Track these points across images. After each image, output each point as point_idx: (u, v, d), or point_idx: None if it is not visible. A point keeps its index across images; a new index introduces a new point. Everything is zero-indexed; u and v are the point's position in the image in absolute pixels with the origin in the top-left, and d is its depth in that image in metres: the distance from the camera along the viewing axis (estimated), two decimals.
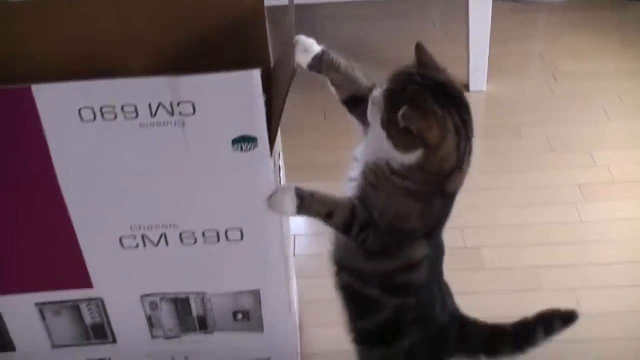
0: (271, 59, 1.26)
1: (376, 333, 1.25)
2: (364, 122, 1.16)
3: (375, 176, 1.12)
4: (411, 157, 1.07)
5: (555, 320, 1.25)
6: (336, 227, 1.16)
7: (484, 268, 1.77)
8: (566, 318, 1.25)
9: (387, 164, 1.10)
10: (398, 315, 1.22)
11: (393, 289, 1.19)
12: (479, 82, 2.41)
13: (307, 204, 1.12)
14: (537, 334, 1.24)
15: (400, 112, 1.03)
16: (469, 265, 1.77)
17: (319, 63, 1.19)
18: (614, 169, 2.05)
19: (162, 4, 1.21)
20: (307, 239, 1.91)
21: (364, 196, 1.13)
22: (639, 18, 2.86)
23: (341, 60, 1.19)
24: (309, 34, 1.21)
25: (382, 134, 1.08)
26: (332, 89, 1.21)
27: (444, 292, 1.26)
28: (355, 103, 1.18)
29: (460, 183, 1.12)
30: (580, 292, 1.67)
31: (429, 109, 1.04)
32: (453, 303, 1.28)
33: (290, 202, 1.12)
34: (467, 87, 2.41)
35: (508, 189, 2.01)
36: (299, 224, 1.95)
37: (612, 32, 2.77)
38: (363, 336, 1.29)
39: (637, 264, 1.76)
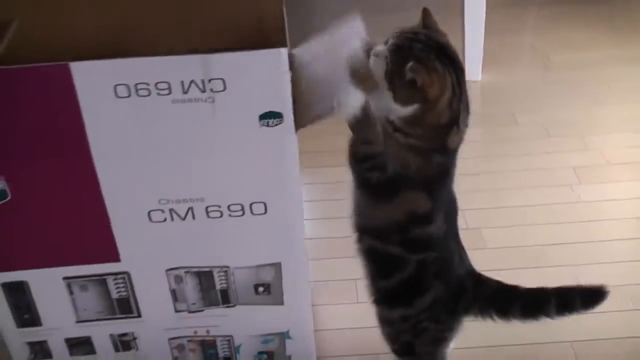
0: (288, 43, 1.31)
1: (400, 291, 1.31)
2: None
3: (383, 131, 1.19)
4: (408, 110, 1.15)
5: (574, 298, 1.26)
6: (357, 155, 1.23)
7: (486, 248, 1.84)
8: (590, 297, 1.25)
9: (387, 120, 1.19)
10: (420, 270, 1.28)
11: (413, 244, 1.26)
12: (474, 72, 2.48)
13: (367, 120, 1.19)
14: (549, 307, 1.27)
15: (409, 65, 1.12)
16: (471, 246, 1.82)
17: None
18: (607, 152, 2.14)
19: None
20: (312, 223, 1.96)
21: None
22: (626, 8, 2.96)
23: None
24: (305, 27, 1.28)
25: (384, 86, 1.17)
26: None
27: (461, 247, 1.32)
28: None
29: (460, 140, 1.20)
30: (579, 268, 1.74)
31: (433, 65, 1.14)
32: (468, 259, 1.34)
33: (358, 104, 1.18)
34: None
35: (506, 172, 2.08)
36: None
37: (601, 23, 2.86)
38: (385, 296, 1.34)
39: (632, 241, 1.84)
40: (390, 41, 1.17)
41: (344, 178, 1.29)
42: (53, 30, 1.11)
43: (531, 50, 2.72)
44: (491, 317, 1.32)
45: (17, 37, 1.21)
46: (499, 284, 1.32)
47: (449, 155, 1.21)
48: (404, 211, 1.22)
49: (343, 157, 1.27)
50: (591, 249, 1.81)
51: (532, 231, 1.88)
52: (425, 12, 1.19)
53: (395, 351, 1.42)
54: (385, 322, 1.38)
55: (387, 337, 1.40)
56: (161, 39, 1.12)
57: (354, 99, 1.18)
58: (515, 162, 2.13)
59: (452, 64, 1.16)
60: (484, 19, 2.41)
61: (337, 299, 1.71)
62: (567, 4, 3.00)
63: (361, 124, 1.20)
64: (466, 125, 1.20)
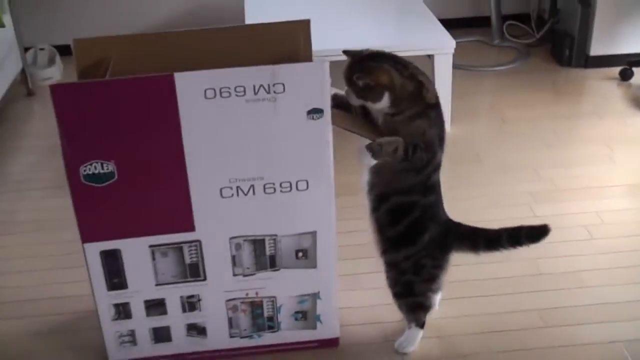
0: None
1: (406, 233, 1.73)
2: None
3: (387, 124, 1.65)
4: (386, 100, 1.63)
5: (520, 235, 1.74)
6: (399, 157, 1.63)
7: None
8: (532, 234, 1.73)
9: (385, 114, 1.66)
10: (423, 213, 1.71)
11: (427, 189, 1.70)
12: None
13: (377, 152, 1.63)
14: (503, 241, 1.74)
15: (354, 77, 1.63)
16: None
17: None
18: (556, 181, 2.63)
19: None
20: None
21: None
22: (566, 78, 3.58)
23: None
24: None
25: (366, 104, 1.66)
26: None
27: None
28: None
29: (433, 95, 1.66)
30: (540, 260, 2.20)
31: (368, 66, 1.65)
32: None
33: (367, 157, 1.64)
34: None
35: (472, 198, 2.55)
36: None
37: (546, 89, 3.46)
38: (393, 242, 1.76)
39: (576, 242, 2.31)
40: (345, 83, 1.68)
41: None
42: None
43: (490, 108, 3.27)
44: (465, 251, 1.77)
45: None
46: (470, 227, 1.78)
47: (436, 109, 1.67)
48: (434, 165, 1.68)
49: None
50: (549, 248, 2.25)
51: None
52: (345, 52, 1.70)
53: (397, 294, 1.82)
54: (391, 266, 1.79)
55: (391, 281, 1.81)
56: None
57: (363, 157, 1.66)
58: (479, 190, 2.61)
59: (384, 57, 1.66)
60: (451, 84, 2.93)
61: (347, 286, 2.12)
62: (518, 74, 3.61)
63: (380, 156, 1.64)
64: (431, 83, 1.67)
